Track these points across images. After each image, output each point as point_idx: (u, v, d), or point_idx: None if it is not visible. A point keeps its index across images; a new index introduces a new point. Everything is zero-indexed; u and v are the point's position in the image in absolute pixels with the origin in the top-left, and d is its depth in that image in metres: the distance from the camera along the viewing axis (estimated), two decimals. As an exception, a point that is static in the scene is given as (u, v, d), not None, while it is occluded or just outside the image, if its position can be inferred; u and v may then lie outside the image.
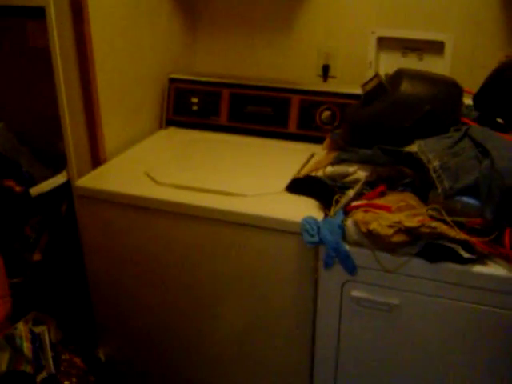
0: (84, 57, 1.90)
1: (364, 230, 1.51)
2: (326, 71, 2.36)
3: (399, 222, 1.48)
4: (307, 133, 2.20)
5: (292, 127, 2.21)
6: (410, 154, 1.66)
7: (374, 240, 1.51)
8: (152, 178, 1.90)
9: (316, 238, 1.58)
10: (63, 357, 1.92)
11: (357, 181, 1.71)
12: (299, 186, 1.81)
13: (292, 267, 1.72)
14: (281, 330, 1.85)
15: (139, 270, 1.95)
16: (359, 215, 1.55)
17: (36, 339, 1.81)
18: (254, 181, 1.91)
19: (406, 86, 1.77)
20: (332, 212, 1.65)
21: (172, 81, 2.38)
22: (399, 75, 1.82)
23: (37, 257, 2.13)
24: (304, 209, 1.71)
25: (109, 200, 1.86)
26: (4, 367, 1.77)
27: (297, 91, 2.21)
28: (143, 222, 1.85)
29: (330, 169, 1.79)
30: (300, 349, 1.84)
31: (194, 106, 2.34)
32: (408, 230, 1.48)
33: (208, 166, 2.03)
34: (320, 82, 2.37)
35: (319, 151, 2.03)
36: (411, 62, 2.24)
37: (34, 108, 2.21)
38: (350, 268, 1.58)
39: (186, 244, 1.83)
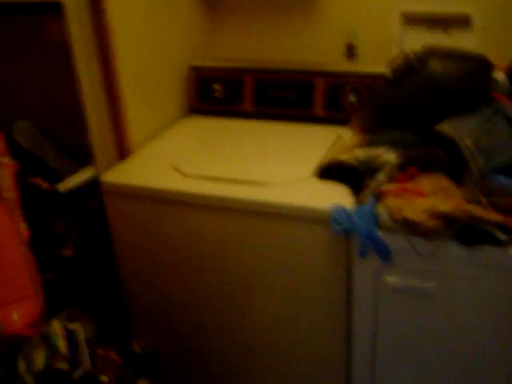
0: (105, 48, 1.88)
1: (398, 217, 1.47)
2: (350, 50, 2.30)
3: (433, 207, 1.44)
4: (334, 115, 2.15)
5: (318, 110, 2.17)
6: (441, 133, 1.61)
7: (407, 226, 1.48)
8: (179, 170, 1.88)
9: (346, 226, 1.55)
10: (99, 352, 1.91)
11: (386, 163, 1.67)
12: (327, 171, 1.77)
13: (324, 255, 1.69)
14: (315, 318, 1.82)
15: (170, 263, 1.94)
16: (391, 201, 1.51)
17: (71, 336, 1.81)
18: (282, 167, 1.88)
19: (434, 65, 1.72)
20: (363, 198, 1.61)
21: (194, 68, 2.35)
22: (427, 53, 1.77)
23: (68, 252, 2.12)
24: (333, 195, 1.67)
25: (137, 194, 1.85)
26: (41, 365, 1.78)
27: (321, 73, 2.17)
28: (172, 215, 1.84)
29: (358, 152, 1.74)
30: (335, 337, 1.82)
31: (217, 93, 2.31)
32: (442, 215, 1.43)
33: (234, 155, 2.00)
34: (345, 62, 2.31)
35: (347, 133, 1.99)
36: (438, 38, 2.17)
37: (57, 102, 2.19)
38: (385, 255, 1.55)
39: (215, 235, 1.82)
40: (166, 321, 2.09)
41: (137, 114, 2.06)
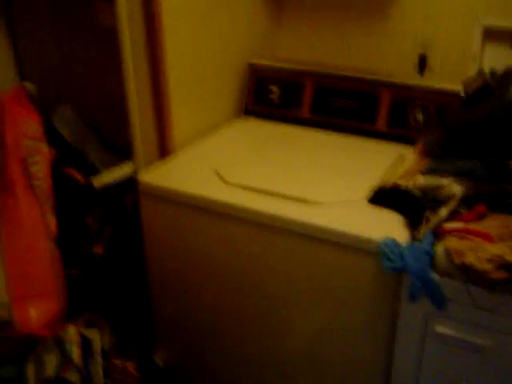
0: (154, 38, 1.74)
1: (458, 262, 1.28)
2: (422, 62, 2.10)
3: (501, 256, 1.24)
4: (398, 132, 1.95)
5: (381, 125, 1.98)
6: (518, 170, 1.42)
7: (468, 274, 1.28)
8: (221, 177, 1.73)
9: (397, 264, 1.37)
10: (116, 362, 1.78)
11: (451, 196, 1.47)
12: (384, 196, 1.58)
13: (369, 289, 1.51)
14: (353, 352, 1.65)
15: (204, 272, 1.79)
16: (453, 242, 1.32)
17: (87, 344, 1.68)
18: (334, 185, 1.70)
19: (517, 89, 1.51)
20: (420, 234, 1.42)
21: (252, 66, 2.18)
22: (509, 74, 1.56)
23: (98, 250, 2.01)
24: (387, 225, 1.49)
25: (172, 198, 1.71)
26: (51, 372, 1.66)
27: (389, 85, 1.97)
28: (209, 223, 1.69)
29: (420, 179, 1.55)
30: (374, 376, 1.64)
31: (273, 96, 2.14)
32: (511, 266, 1.24)
33: (284, 165, 1.83)
34: (415, 75, 2.10)
35: (410, 155, 1.80)
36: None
37: (104, 92, 2.07)
38: (439, 301, 1.36)
39: (252, 250, 1.66)
40: (193, 334, 1.94)
41: (184, 111, 1.92)
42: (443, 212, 1.42)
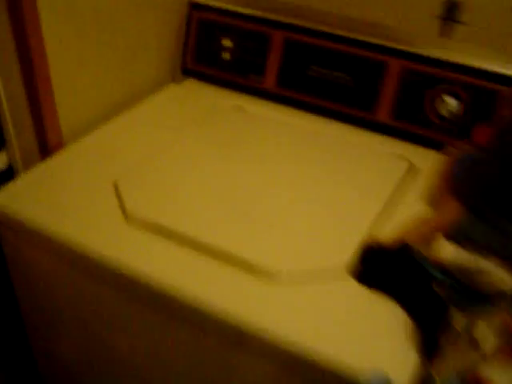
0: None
1: None
2: (450, 14, 1.39)
3: None
4: (407, 127, 1.29)
5: (382, 113, 1.30)
6: None
7: None
8: (121, 204, 1.07)
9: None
10: None
11: (495, 294, 0.84)
12: (377, 268, 0.95)
13: None
14: None
15: (82, 337, 1.21)
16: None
17: None
18: (298, 228, 1.06)
19: None
20: (439, 375, 0.79)
21: (194, 7, 1.46)
22: None
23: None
24: (378, 335, 0.86)
25: (39, 242, 1.06)
26: None
27: (399, 52, 1.28)
28: (90, 287, 1.07)
29: (447, 250, 0.91)
30: None
31: (225, 53, 1.44)
32: None
33: (226, 180, 1.17)
34: (439, 39, 1.39)
35: (423, 164, 1.17)
36: None
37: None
38: None
39: (148, 335, 1.06)
40: None
41: (81, 75, 1.29)
42: (487, 343, 0.78)
